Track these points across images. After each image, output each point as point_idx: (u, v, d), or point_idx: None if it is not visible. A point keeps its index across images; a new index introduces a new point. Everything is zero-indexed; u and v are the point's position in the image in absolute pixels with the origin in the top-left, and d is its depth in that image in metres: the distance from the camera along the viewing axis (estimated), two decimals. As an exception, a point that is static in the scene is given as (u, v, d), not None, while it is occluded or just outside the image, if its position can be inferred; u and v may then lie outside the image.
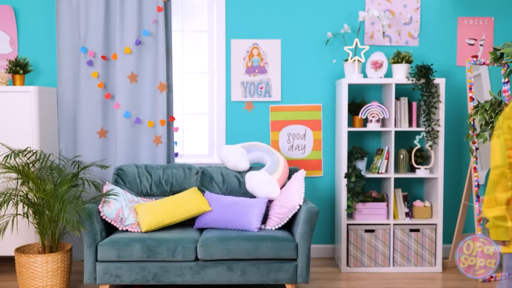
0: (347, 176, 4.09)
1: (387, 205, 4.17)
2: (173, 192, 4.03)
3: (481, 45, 4.43)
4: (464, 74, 4.41)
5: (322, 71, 4.43)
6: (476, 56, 4.15)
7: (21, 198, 3.53)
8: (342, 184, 4.13)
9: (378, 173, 4.18)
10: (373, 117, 4.14)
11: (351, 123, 4.32)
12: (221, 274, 3.43)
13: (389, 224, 4.13)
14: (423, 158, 4.27)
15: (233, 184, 4.01)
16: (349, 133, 4.36)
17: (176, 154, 4.38)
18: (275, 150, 4.09)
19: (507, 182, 2.03)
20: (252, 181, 3.86)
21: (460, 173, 4.49)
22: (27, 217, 3.55)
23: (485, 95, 4.07)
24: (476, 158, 4.01)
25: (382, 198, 4.22)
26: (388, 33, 4.42)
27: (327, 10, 4.40)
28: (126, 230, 3.70)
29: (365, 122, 4.34)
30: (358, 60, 4.16)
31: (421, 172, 4.16)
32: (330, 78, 4.43)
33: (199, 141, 4.60)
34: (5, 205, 3.45)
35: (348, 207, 4.10)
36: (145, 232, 3.66)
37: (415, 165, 4.19)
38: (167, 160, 4.34)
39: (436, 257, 4.14)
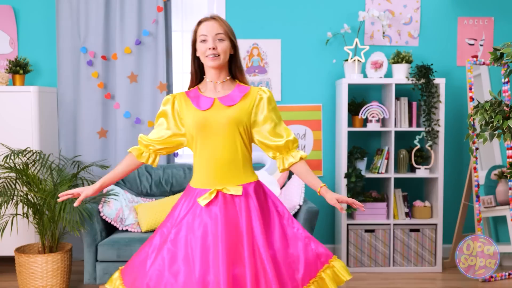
0: (347, 176, 4.09)
1: (387, 205, 4.17)
2: (173, 192, 4.03)
3: (481, 45, 4.43)
4: (464, 74, 4.41)
5: (322, 71, 4.42)
6: (476, 56, 4.15)
7: (21, 198, 3.53)
8: (342, 184, 4.12)
9: (378, 173, 4.17)
10: (373, 117, 4.14)
11: (351, 123, 4.32)
12: (221, 274, 3.42)
13: (389, 224, 4.13)
14: (423, 158, 4.27)
15: (233, 184, 4.01)
16: (349, 133, 4.36)
17: (176, 154, 4.38)
18: (275, 150, 4.08)
19: None
20: None
21: (460, 173, 4.49)
22: (27, 217, 3.55)
23: (485, 95, 4.07)
24: (476, 158, 4.01)
25: (382, 198, 4.22)
26: (388, 33, 4.42)
27: (327, 10, 4.40)
28: (126, 230, 3.70)
29: (365, 122, 4.34)
30: (358, 60, 4.16)
31: (421, 172, 4.16)
32: (330, 78, 4.43)
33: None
34: (5, 205, 3.45)
35: (348, 207, 4.10)
36: (145, 232, 3.66)
37: (415, 165, 4.18)
38: (167, 160, 4.34)
39: (436, 257, 4.14)
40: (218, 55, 2.15)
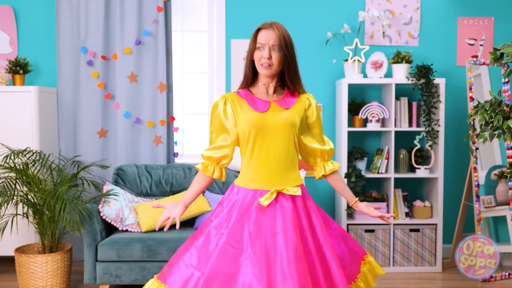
0: (347, 176, 4.09)
1: (387, 205, 4.17)
2: (173, 192, 4.03)
3: (481, 45, 4.43)
4: (464, 74, 4.41)
5: (322, 71, 4.42)
6: (476, 56, 4.15)
7: (21, 198, 3.53)
8: (342, 184, 4.12)
9: (378, 173, 4.17)
10: (373, 117, 4.14)
11: (351, 123, 4.32)
12: (221, 274, 3.42)
13: (389, 224, 4.13)
14: (423, 158, 4.27)
15: (233, 184, 4.01)
16: (349, 133, 4.36)
17: (176, 154, 4.38)
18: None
19: None
20: None
21: (460, 173, 4.49)
22: (27, 217, 3.55)
23: (485, 95, 4.07)
24: (476, 158, 4.01)
25: (382, 198, 4.22)
26: (388, 33, 4.42)
27: (327, 10, 4.40)
28: (126, 230, 3.70)
29: (365, 122, 4.34)
30: (358, 60, 4.16)
31: (421, 172, 4.16)
32: (330, 78, 4.43)
33: (199, 141, 4.60)
34: (5, 205, 3.45)
35: (348, 207, 4.10)
36: (145, 232, 3.66)
37: (415, 165, 4.18)
38: (167, 160, 4.34)
39: (436, 257, 4.14)
40: (271, 65, 2.19)
